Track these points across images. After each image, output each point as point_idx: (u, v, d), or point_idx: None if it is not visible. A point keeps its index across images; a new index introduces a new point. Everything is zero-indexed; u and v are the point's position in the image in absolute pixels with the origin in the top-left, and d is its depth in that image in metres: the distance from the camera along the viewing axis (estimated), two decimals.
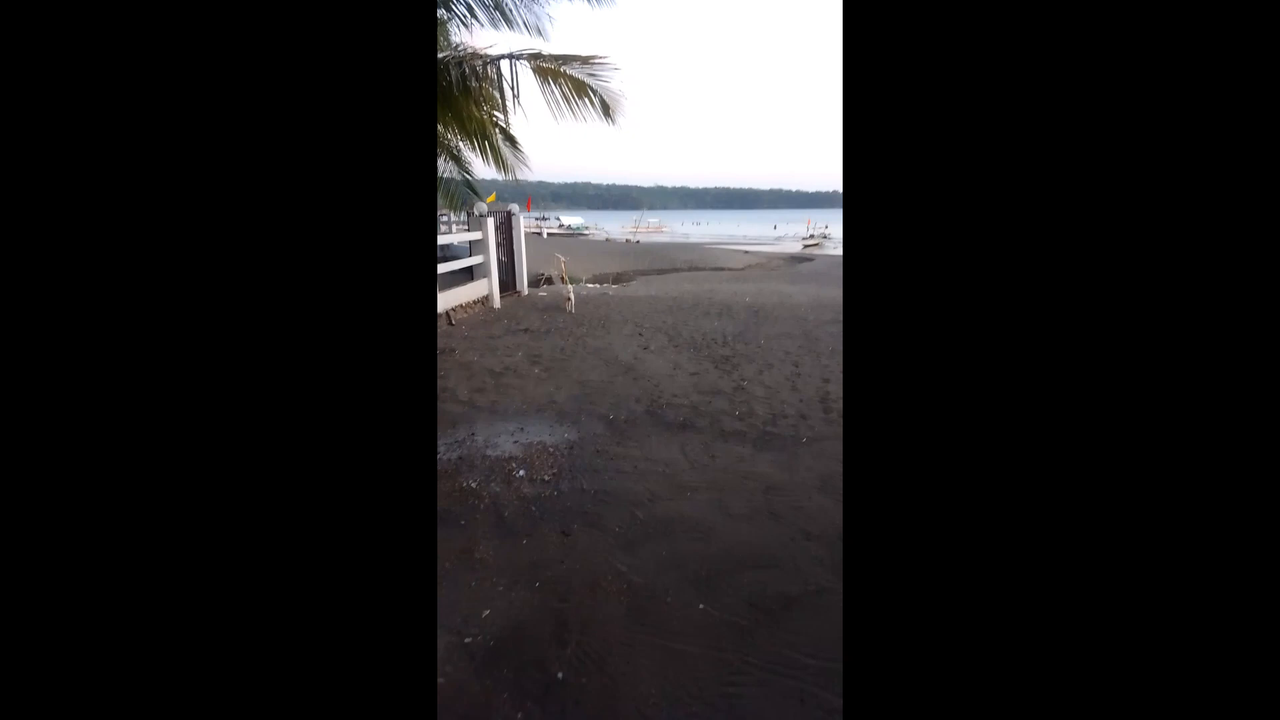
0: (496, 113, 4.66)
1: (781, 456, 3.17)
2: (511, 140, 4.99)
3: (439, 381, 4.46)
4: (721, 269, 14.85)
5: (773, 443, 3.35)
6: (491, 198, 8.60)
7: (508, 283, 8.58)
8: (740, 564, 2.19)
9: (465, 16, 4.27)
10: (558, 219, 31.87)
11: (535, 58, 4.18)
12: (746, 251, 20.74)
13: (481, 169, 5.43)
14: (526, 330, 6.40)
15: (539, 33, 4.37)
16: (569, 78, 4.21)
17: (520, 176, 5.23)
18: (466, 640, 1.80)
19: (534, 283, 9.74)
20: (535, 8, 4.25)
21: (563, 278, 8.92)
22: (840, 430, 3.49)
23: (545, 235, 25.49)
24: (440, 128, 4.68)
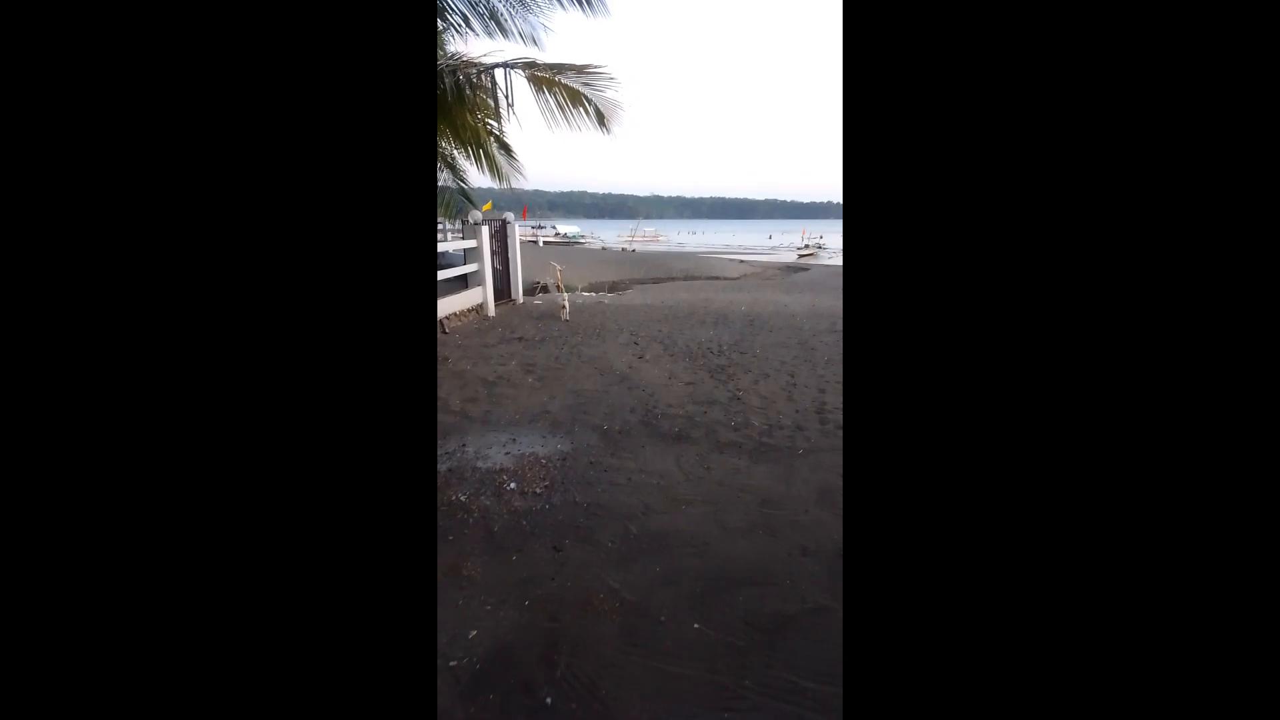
0: (491, 121, 4.63)
1: (778, 468, 3.12)
2: (506, 149, 4.97)
3: None
4: (717, 278, 14.84)
5: (769, 454, 3.30)
6: (487, 206, 8.57)
7: (503, 291, 8.54)
8: (736, 581, 2.13)
9: (460, 25, 4.25)
10: (554, 227, 31.88)
11: (530, 66, 4.16)
12: (742, 261, 20.77)
13: (477, 177, 5.41)
14: (521, 339, 6.35)
15: (534, 42, 4.36)
16: (564, 87, 4.19)
17: (516, 185, 5.21)
18: (451, 663, 1.73)
19: (529, 291, 9.68)
20: (530, 17, 4.24)
21: (558, 286, 8.88)
22: (837, 442, 3.45)
23: (541, 243, 25.48)
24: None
